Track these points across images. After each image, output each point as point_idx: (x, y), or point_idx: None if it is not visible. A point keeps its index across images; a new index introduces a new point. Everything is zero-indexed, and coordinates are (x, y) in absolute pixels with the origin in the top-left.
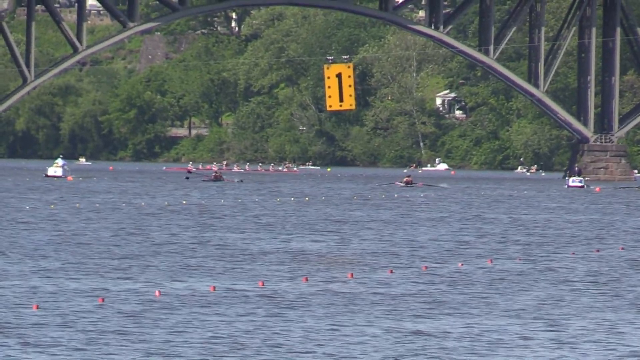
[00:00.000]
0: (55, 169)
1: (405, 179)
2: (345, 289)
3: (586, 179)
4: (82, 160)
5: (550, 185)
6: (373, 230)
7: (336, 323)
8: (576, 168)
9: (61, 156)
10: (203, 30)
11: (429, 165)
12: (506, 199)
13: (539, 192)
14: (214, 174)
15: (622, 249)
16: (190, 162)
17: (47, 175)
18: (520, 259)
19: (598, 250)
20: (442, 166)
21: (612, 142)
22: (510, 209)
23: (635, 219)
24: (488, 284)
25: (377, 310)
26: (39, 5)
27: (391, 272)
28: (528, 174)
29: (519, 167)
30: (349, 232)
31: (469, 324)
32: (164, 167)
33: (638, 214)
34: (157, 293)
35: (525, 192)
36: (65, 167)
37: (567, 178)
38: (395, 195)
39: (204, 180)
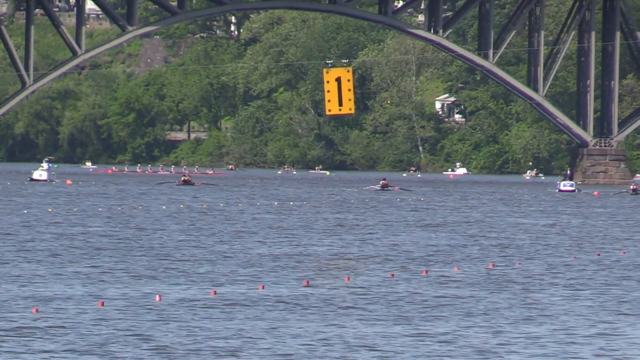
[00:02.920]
0: (41, 172)
1: (381, 183)
2: (344, 292)
3: (578, 183)
4: (88, 164)
5: (542, 189)
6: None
7: (337, 326)
8: (568, 172)
9: (46, 160)
10: (202, 34)
11: (449, 169)
12: (473, 203)
13: (510, 198)
14: (183, 177)
15: (624, 253)
16: (136, 165)
17: (32, 179)
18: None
19: (599, 254)
20: (462, 170)
21: (612, 146)
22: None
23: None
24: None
25: (377, 313)
26: (38, 9)
27: (392, 275)
28: (527, 177)
29: (528, 171)
30: (344, 237)
31: (459, 328)
32: (91, 169)
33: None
34: (158, 298)
35: (503, 196)
36: (51, 170)
37: (558, 182)
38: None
39: (176, 184)
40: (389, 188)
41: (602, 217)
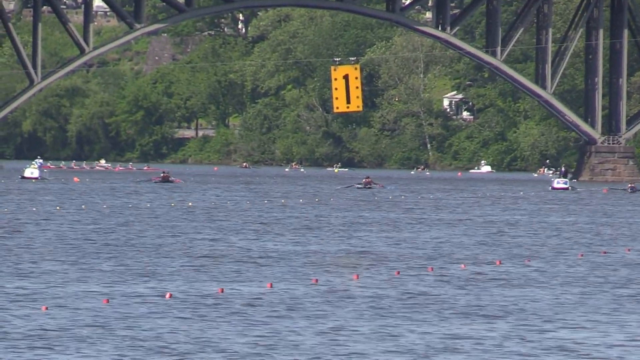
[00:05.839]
0: (32, 170)
1: (364, 180)
2: (352, 290)
3: (573, 180)
4: (103, 161)
5: (538, 187)
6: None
7: (344, 325)
8: (563, 169)
9: (39, 157)
10: (210, 32)
11: (476, 168)
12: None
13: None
14: (162, 174)
15: (629, 250)
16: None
17: (23, 177)
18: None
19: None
20: (486, 168)
21: (620, 143)
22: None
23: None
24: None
25: (385, 312)
26: (45, 7)
27: (398, 273)
28: (535, 175)
29: (544, 169)
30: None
31: (456, 327)
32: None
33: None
34: (168, 295)
35: (488, 194)
36: (43, 168)
37: (552, 179)
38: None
39: (154, 182)
40: (373, 186)
41: (570, 214)
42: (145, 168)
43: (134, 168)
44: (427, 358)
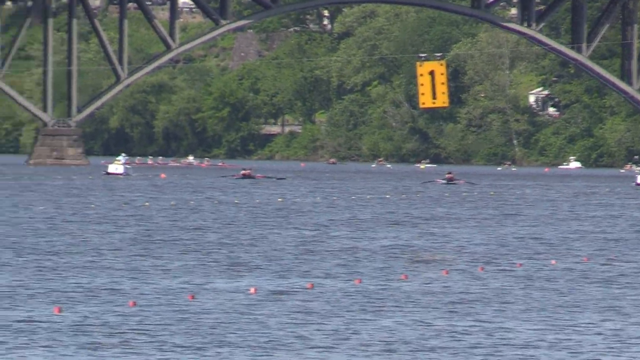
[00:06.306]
0: (117, 166)
1: (447, 176)
2: (441, 286)
3: None
4: (191, 158)
5: (621, 183)
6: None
7: (433, 320)
8: None
9: (123, 154)
10: (295, 28)
11: (564, 164)
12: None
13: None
14: (242, 171)
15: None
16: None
17: (107, 173)
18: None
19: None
20: (575, 164)
21: None
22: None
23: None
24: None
25: (473, 309)
26: (131, 3)
27: (482, 269)
28: (622, 171)
29: (631, 165)
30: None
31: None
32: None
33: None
34: (252, 290)
35: (574, 190)
36: (127, 164)
37: (636, 176)
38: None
39: (235, 178)
40: (455, 182)
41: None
42: (220, 164)
43: (208, 164)
44: (524, 349)
